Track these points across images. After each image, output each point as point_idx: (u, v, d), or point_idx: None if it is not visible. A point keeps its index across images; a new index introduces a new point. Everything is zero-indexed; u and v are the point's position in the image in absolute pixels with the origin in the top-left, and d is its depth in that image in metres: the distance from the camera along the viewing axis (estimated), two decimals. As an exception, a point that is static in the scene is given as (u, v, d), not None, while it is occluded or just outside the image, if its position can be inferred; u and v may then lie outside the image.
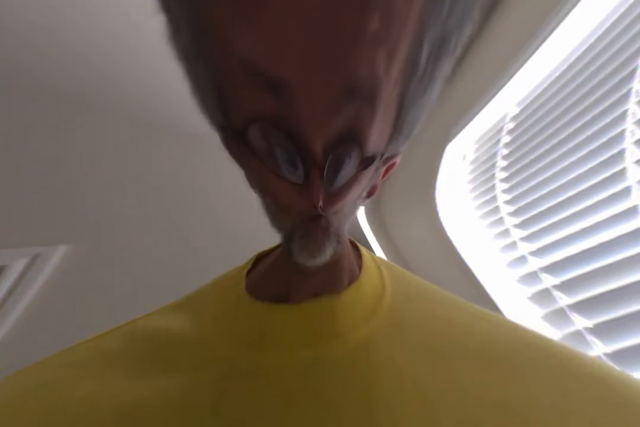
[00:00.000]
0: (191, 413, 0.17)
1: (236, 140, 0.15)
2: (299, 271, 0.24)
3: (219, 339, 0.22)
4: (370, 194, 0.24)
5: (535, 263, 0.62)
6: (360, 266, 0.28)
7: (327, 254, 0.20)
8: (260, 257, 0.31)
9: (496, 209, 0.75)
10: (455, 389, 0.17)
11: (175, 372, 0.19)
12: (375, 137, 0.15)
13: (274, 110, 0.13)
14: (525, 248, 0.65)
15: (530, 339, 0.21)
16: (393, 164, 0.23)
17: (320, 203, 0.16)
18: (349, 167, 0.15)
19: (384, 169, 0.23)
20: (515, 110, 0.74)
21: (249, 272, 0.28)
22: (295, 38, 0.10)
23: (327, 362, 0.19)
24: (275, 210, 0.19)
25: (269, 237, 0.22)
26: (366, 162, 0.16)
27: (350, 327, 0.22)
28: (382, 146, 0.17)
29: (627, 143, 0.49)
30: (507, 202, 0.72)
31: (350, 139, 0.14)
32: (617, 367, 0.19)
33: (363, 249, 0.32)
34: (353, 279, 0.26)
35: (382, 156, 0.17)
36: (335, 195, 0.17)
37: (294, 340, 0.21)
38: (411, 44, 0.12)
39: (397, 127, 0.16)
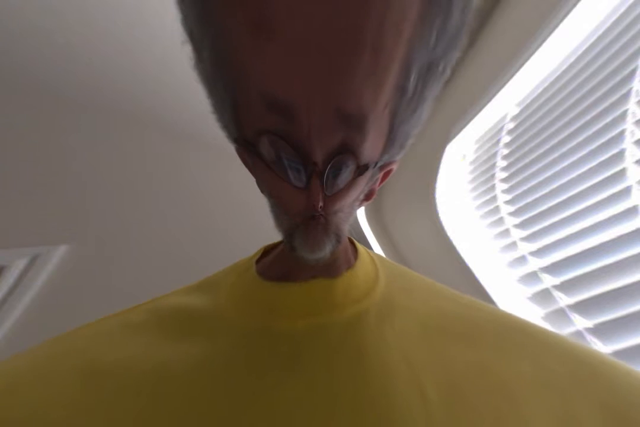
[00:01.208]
0: (213, 371, 0.19)
1: (248, 150, 0.17)
2: (300, 260, 0.26)
3: (234, 310, 0.25)
4: (368, 197, 0.26)
5: (535, 263, 0.62)
6: (356, 258, 0.31)
7: (327, 251, 0.22)
8: (267, 250, 0.34)
9: (496, 209, 0.75)
10: (438, 358, 0.20)
11: (197, 337, 0.22)
12: (369, 150, 0.17)
13: (280, 126, 0.15)
14: (525, 248, 0.65)
15: (510, 322, 0.24)
16: (390, 171, 0.25)
17: (321, 204, 0.18)
18: (346, 173, 0.18)
19: (380, 175, 0.24)
20: (515, 110, 0.74)
21: (257, 262, 0.31)
22: (297, 68, 0.12)
23: (326, 328, 0.23)
24: (280, 210, 0.21)
25: (266, 236, 0.23)
26: (360, 170, 0.18)
27: (345, 304, 0.25)
28: (375, 156, 0.19)
29: (627, 143, 0.49)
30: (507, 202, 0.72)
31: (346, 150, 0.16)
32: (589, 346, 0.22)
33: (359, 246, 0.35)
34: (347, 269, 0.29)
35: (375, 164, 0.19)
36: (334, 197, 0.19)
37: (297, 310, 0.24)
38: (399, 71, 0.14)
39: (390, 140, 0.18)
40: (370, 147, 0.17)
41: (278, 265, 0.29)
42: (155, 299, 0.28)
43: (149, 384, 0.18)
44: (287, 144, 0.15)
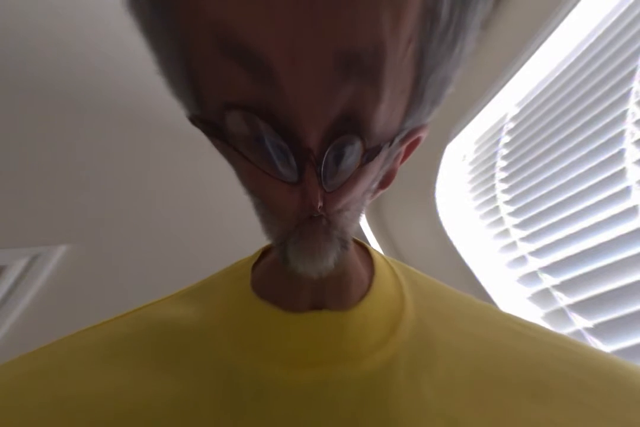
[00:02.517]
0: (191, 421, 0.16)
1: (210, 133, 0.13)
2: (296, 276, 0.21)
3: (223, 337, 0.20)
4: (384, 184, 0.20)
5: (535, 263, 0.62)
6: (371, 274, 0.24)
7: (330, 260, 0.17)
8: (267, 250, 0.28)
9: (496, 209, 0.75)
10: (494, 422, 0.14)
11: (178, 372, 0.18)
12: (384, 119, 0.12)
13: (254, 94, 0.10)
14: (525, 248, 0.65)
15: (587, 361, 0.17)
16: (418, 140, 0.18)
17: (320, 203, 0.13)
18: (352, 157, 0.13)
19: (403, 148, 0.18)
20: (515, 110, 0.74)
21: (256, 265, 0.26)
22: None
23: (337, 385, 0.17)
24: (268, 212, 0.16)
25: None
26: (370, 154, 0.13)
27: (363, 352, 0.18)
28: (393, 128, 0.13)
29: (627, 143, 0.49)
30: (507, 202, 0.72)
31: (350, 126, 0.11)
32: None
33: (374, 252, 0.27)
34: (364, 291, 0.22)
35: (392, 142, 0.13)
36: (337, 192, 0.14)
37: (299, 356, 0.18)
38: None
39: (416, 96, 0.12)
40: (386, 115, 0.12)
41: (271, 279, 0.23)
42: (144, 306, 0.24)
43: (128, 423, 0.16)
44: (264, 123, 0.11)
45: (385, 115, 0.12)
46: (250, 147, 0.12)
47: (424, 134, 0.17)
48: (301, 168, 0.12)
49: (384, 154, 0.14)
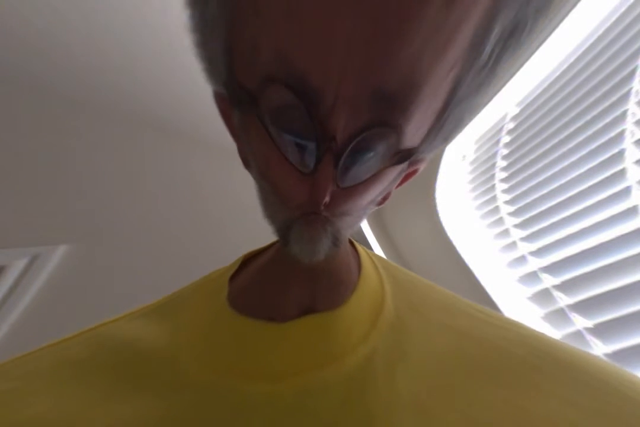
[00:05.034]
0: None
1: (241, 102, 0.13)
2: (289, 278, 0.21)
3: (195, 359, 0.19)
4: (379, 202, 0.21)
5: (535, 263, 0.62)
6: (359, 270, 0.25)
7: (323, 247, 0.17)
8: (247, 259, 0.27)
9: (496, 209, 0.75)
10: (458, 404, 0.15)
11: (145, 394, 0.17)
12: (413, 128, 0.13)
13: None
14: (525, 248, 0.65)
15: (539, 345, 0.19)
16: (414, 171, 0.20)
17: (327, 198, 0.13)
18: (374, 160, 0.13)
19: (403, 174, 0.19)
20: (515, 110, 0.74)
21: (234, 276, 0.25)
22: (339, 38, 0.09)
23: (319, 392, 0.17)
24: (273, 198, 0.16)
25: (268, 237, 0.21)
26: (402, 155, 0.13)
27: (347, 349, 0.18)
28: (417, 140, 0.14)
29: (627, 143, 0.49)
30: (507, 202, 0.72)
31: (386, 124, 0.12)
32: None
33: (361, 249, 0.28)
34: (350, 290, 0.22)
35: (417, 153, 0.14)
36: (348, 192, 0.14)
37: (282, 367, 0.18)
38: (480, 22, 0.10)
39: (439, 123, 0.13)
40: (415, 126, 0.13)
41: (257, 289, 0.22)
42: (102, 324, 0.22)
43: None
44: (302, 104, 0.11)
45: (415, 126, 0.13)
46: (277, 123, 0.12)
47: (421, 167, 0.19)
48: (320, 156, 0.12)
49: (407, 163, 0.15)
